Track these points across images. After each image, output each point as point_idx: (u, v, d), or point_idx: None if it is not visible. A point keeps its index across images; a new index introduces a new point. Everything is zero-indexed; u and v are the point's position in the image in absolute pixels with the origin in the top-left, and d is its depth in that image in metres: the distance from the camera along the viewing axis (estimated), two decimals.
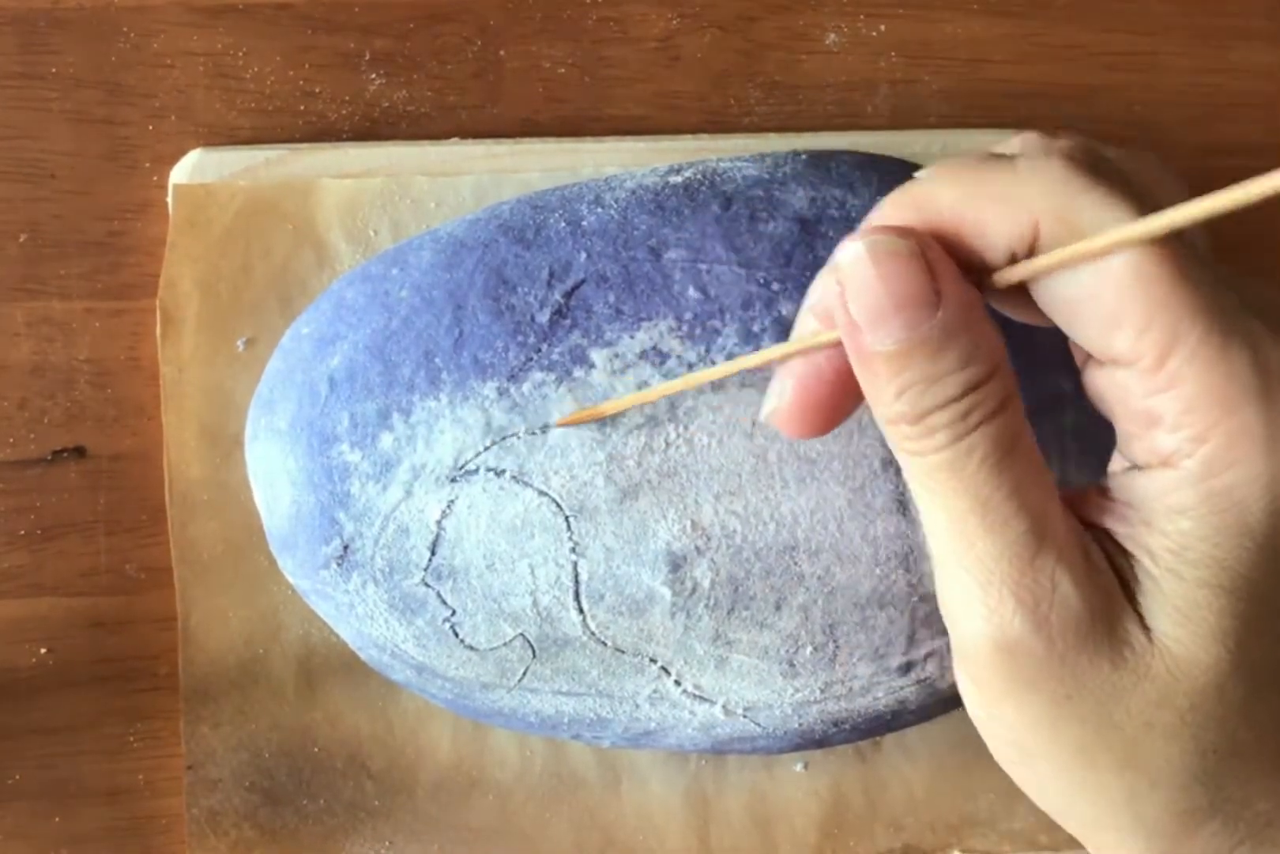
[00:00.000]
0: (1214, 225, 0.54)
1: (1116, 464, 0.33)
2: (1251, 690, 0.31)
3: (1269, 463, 0.30)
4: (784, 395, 0.35)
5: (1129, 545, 0.32)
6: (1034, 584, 0.31)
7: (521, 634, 0.46)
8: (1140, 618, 0.31)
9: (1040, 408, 0.46)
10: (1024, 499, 0.31)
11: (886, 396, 0.32)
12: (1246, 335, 0.30)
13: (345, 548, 0.46)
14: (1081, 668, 0.31)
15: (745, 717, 0.47)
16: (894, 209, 0.32)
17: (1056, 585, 0.31)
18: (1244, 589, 0.30)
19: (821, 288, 0.35)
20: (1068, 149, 0.31)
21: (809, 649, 0.46)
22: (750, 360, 0.37)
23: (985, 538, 0.31)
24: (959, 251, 0.32)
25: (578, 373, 0.45)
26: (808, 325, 0.35)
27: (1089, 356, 0.33)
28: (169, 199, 0.52)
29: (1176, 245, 0.30)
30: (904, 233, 0.31)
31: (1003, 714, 0.33)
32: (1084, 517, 0.33)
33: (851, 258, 0.31)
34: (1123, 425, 0.32)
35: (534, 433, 0.45)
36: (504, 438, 0.45)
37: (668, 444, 0.45)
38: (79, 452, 0.53)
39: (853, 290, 0.31)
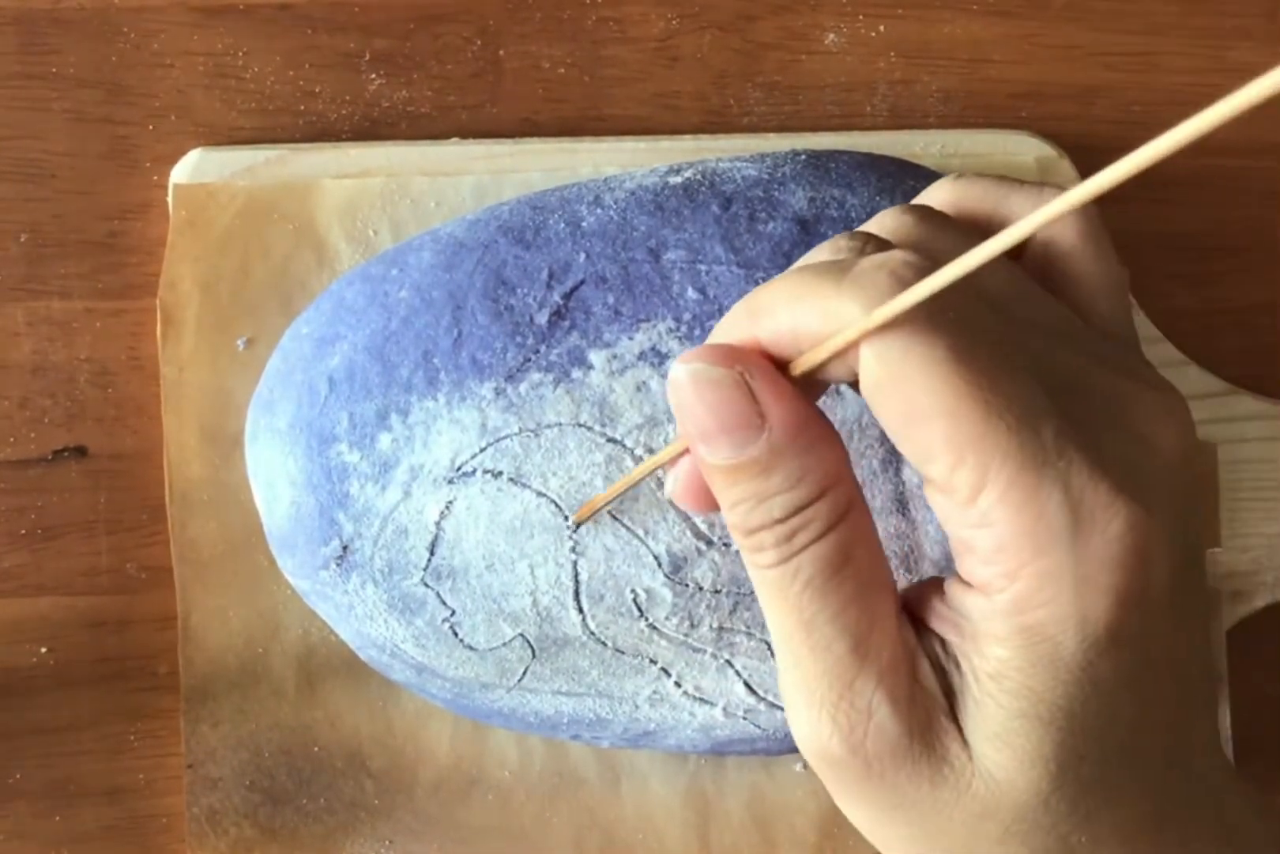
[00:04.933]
0: (1213, 226, 0.54)
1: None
2: (1080, 806, 0.31)
3: (1078, 604, 0.30)
4: (678, 479, 0.36)
5: (960, 657, 0.32)
6: (850, 709, 0.31)
7: (521, 634, 0.46)
8: (961, 736, 0.31)
9: None
10: (848, 620, 0.31)
11: (724, 506, 0.33)
12: (1060, 472, 0.29)
13: (344, 548, 0.46)
14: (900, 785, 0.32)
15: (745, 719, 0.47)
16: (733, 319, 0.33)
17: (874, 711, 0.31)
18: (1062, 720, 0.30)
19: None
20: (898, 264, 0.30)
21: None
22: (659, 458, 0.38)
23: (808, 658, 0.32)
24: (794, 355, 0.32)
25: (576, 374, 0.45)
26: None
27: None
28: (169, 199, 0.52)
29: (984, 359, 0.30)
30: (729, 357, 0.31)
31: (843, 807, 0.34)
32: (923, 619, 0.33)
33: (676, 382, 0.32)
34: (949, 539, 0.32)
35: (530, 434, 0.45)
36: (499, 439, 0.45)
37: (667, 444, 0.45)
38: (79, 451, 0.53)
39: (681, 411, 0.32)
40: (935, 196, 0.38)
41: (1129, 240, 0.55)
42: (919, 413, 0.29)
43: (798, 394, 0.31)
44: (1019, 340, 0.32)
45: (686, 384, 0.31)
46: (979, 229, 0.36)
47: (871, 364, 0.30)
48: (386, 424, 0.46)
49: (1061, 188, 0.35)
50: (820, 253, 0.33)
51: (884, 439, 0.45)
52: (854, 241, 0.33)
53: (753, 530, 0.32)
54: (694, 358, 0.32)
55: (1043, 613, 0.30)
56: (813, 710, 0.32)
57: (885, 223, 0.34)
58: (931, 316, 0.29)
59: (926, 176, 0.50)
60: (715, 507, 0.34)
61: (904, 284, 0.29)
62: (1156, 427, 0.32)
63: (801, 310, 0.30)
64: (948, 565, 0.46)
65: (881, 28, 0.55)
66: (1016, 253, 0.36)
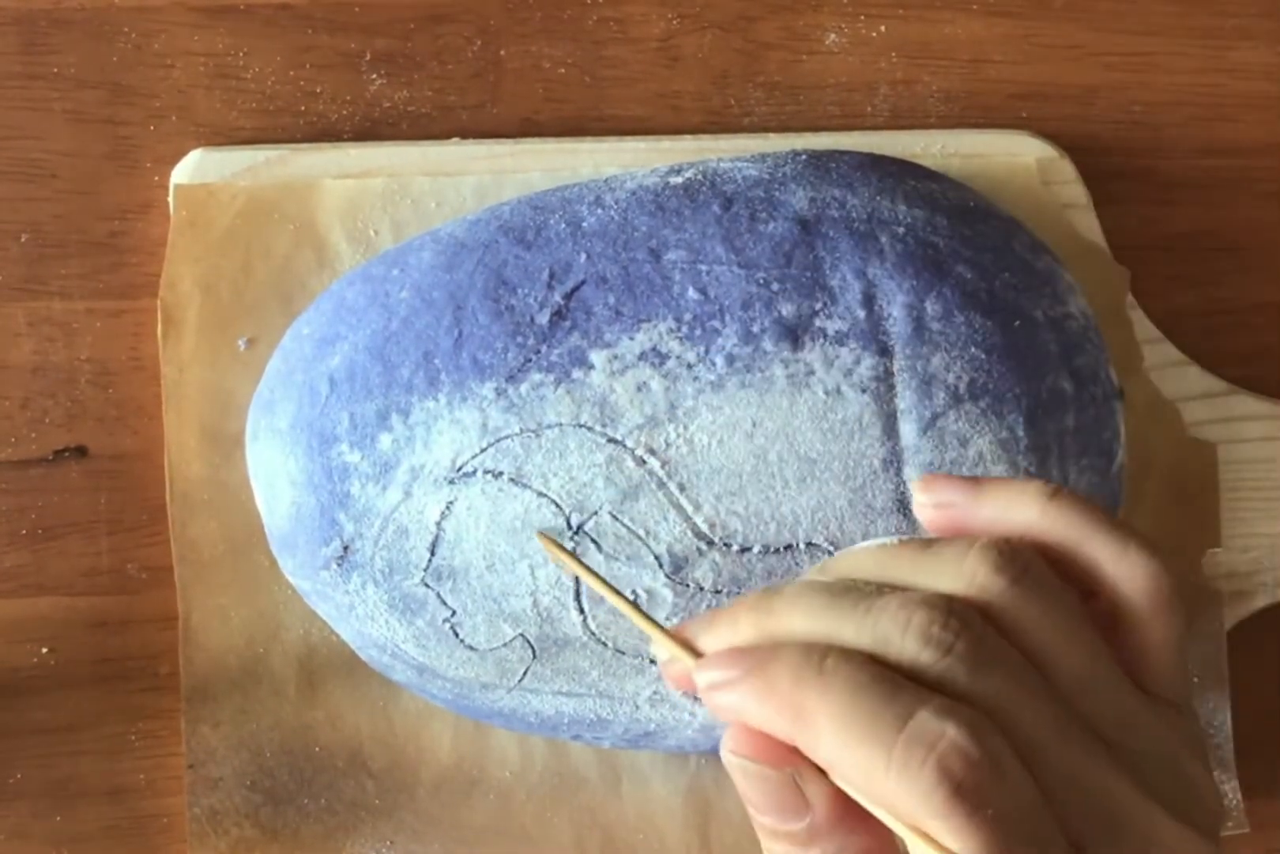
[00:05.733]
0: (1213, 226, 0.54)
1: None
2: None
3: None
4: (675, 680, 0.38)
5: None
6: None
7: (521, 634, 0.46)
8: None
9: (1039, 408, 0.46)
10: None
11: (764, 844, 0.36)
12: None
13: (345, 549, 0.46)
14: None
15: None
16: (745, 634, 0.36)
17: None
18: None
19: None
20: (951, 753, 0.31)
21: None
22: (648, 627, 0.39)
23: None
24: None
25: (576, 374, 0.45)
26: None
27: None
28: (170, 199, 0.52)
29: None
30: (781, 758, 0.34)
31: None
32: None
33: (730, 766, 0.35)
34: None
35: (531, 434, 0.45)
36: (500, 439, 0.45)
37: (668, 444, 0.45)
38: (80, 451, 0.53)
39: (734, 779, 0.35)
40: (1026, 516, 0.37)
41: (1129, 240, 0.55)
42: None
43: (840, 791, 0.33)
44: (1070, 781, 0.33)
45: (738, 773, 0.35)
46: (1063, 567, 0.36)
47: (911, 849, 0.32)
48: (387, 424, 0.46)
49: (1145, 552, 0.36)
50: (890, 616, 0.34)
51: (884, 439, 0.45)
52: (928, 641, 0.33)
53: None
54: (745, 749, 0.34)
55: None
56: None
57: (977, 576, 0.34)
58: (969, 814, 0.31)
59: (927, 177, 0.50)
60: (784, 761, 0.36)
61: (952, 782, 0.31)
62: None
63: (848, 754, 0.32)
64: None
65: (882, 28, 0.55)
66: (1090, 591, 0.36)
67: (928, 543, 0.36)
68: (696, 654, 0.36)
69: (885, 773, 0.31)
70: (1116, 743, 0.34)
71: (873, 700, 0.32)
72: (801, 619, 0.35)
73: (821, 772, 0.34)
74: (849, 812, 0.34)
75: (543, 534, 0.45)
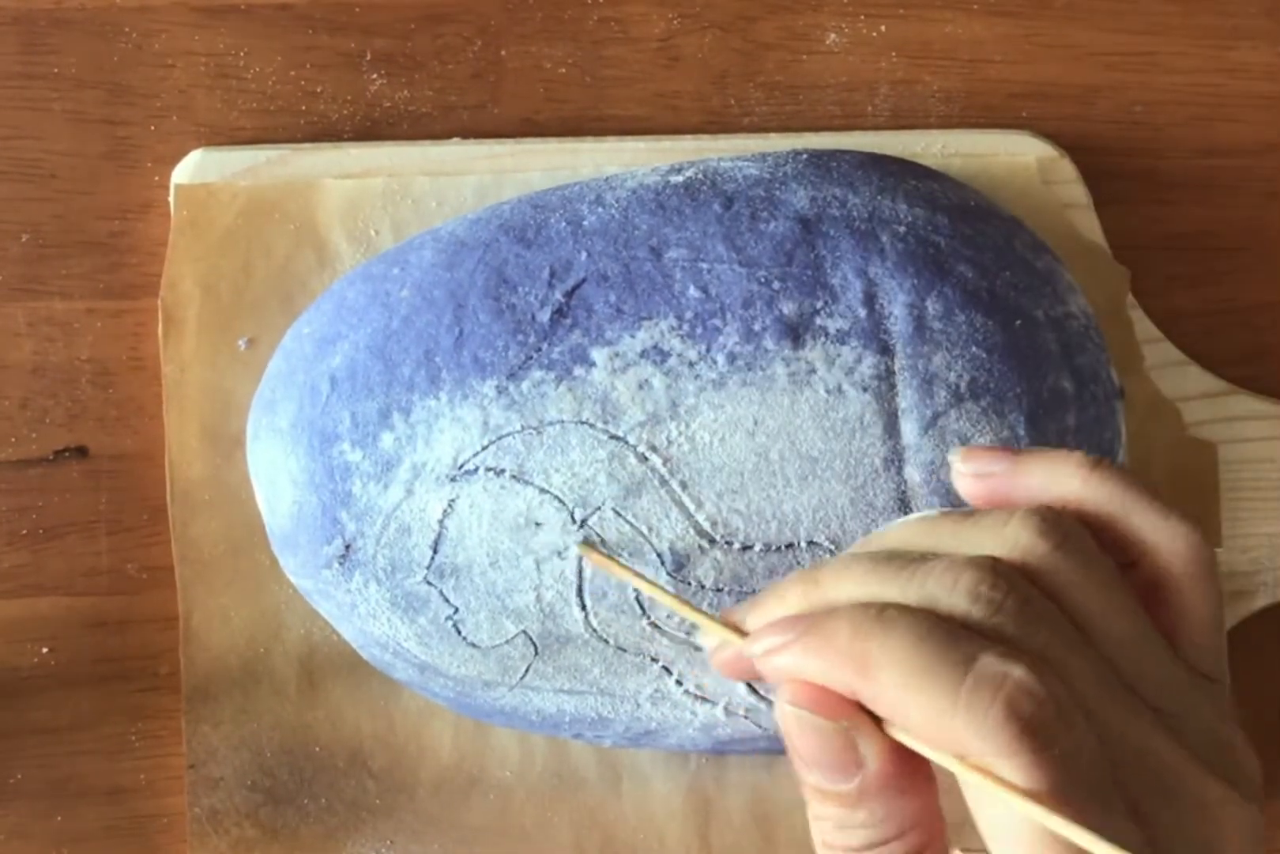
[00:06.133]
0: (1213, 226, 0.54)
1: None
2: None
3: None
4: (724, 662, 0.39)
5: None
6: None
7: (524, 631, 0.46)
8: None
9: (1040, 408, 0.46)
10: None
11: (810, 813, 0.36)
12: None
13: (347, 547, 0.46)
14: None
15: (747, 718, 0.47)
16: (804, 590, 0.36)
17: None
18: None
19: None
20: (1017, 694, 0.32)
21: None
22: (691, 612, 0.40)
23: None
24: None
25: (578, 371, 0.45)
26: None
27: None
28: (170, 199, 0.52)
29: (1080, 801, 0.31)
30: (836, 709, 0.34)
31: None
32: None
33: (785, 718, 0.35)
34: None
35: (532, 431, 0.45)
36: (502, 437, 0.45)
37: (669, 442, 0.45)
38: (80, 451, 0.53)
39: (787, 737, 0.35)
40: (1068, 486, 0.37)
41: (1129, 240, 0.55)
42: (1006, 832, 0.32)
43: (894, 747, 0.34)
44: (1119, 739, 0.33)
45: (794, 725, 0.34)
46: (1103, 537, 0.36)
47: (971, 791, 0.33)
48: (389, 423, 0.46)
49: (1186, 523, 0.36)
50: (937, 577, 0.34)
51: (885, 438, 0.45)
52: (976, 598, 0.33)
53: (829, 846, 0.35)
54: (803, 701, 0.34)
55: None
56: None
57: (1020, 540, 0.35)
58: (1037, 752, 0.31)
59: (928, 176, 0.50)
60: (756, 675, 0.36)
61: (1020, 720, 0.31)
62: (1232, 843, 0.34)
63: (912, 697, 0.32)
64: None
65: (883, 28, 0.55)
66: (1130, 561, 0.37)
67: (969, 513, 0.36)
68: (744, 635, 0.37)
69: (953, 713, 0.31)
70: (1158, 707, 0.34)
71: (936, 645, 0.32)
72: (850, 586, 0.35)
73: (878, 730, 0.34)
74: (901, 773, 0.34)
75: (583, 545, 0.45)
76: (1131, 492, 0.36)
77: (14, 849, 0.52)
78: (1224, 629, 0.38)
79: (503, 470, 0.45)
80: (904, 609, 0.33)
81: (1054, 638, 0.33)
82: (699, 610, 0.39)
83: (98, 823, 0.53)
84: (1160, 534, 0.36)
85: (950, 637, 0.32)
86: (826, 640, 0.34)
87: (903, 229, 0.47)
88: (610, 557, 0.44)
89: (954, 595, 0.33)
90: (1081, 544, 0.35)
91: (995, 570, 0.33)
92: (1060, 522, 0.35)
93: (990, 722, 0.31)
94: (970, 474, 0.38)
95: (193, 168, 0.53)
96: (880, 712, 0.33)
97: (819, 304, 0.46)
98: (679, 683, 0.47)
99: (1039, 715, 0.31)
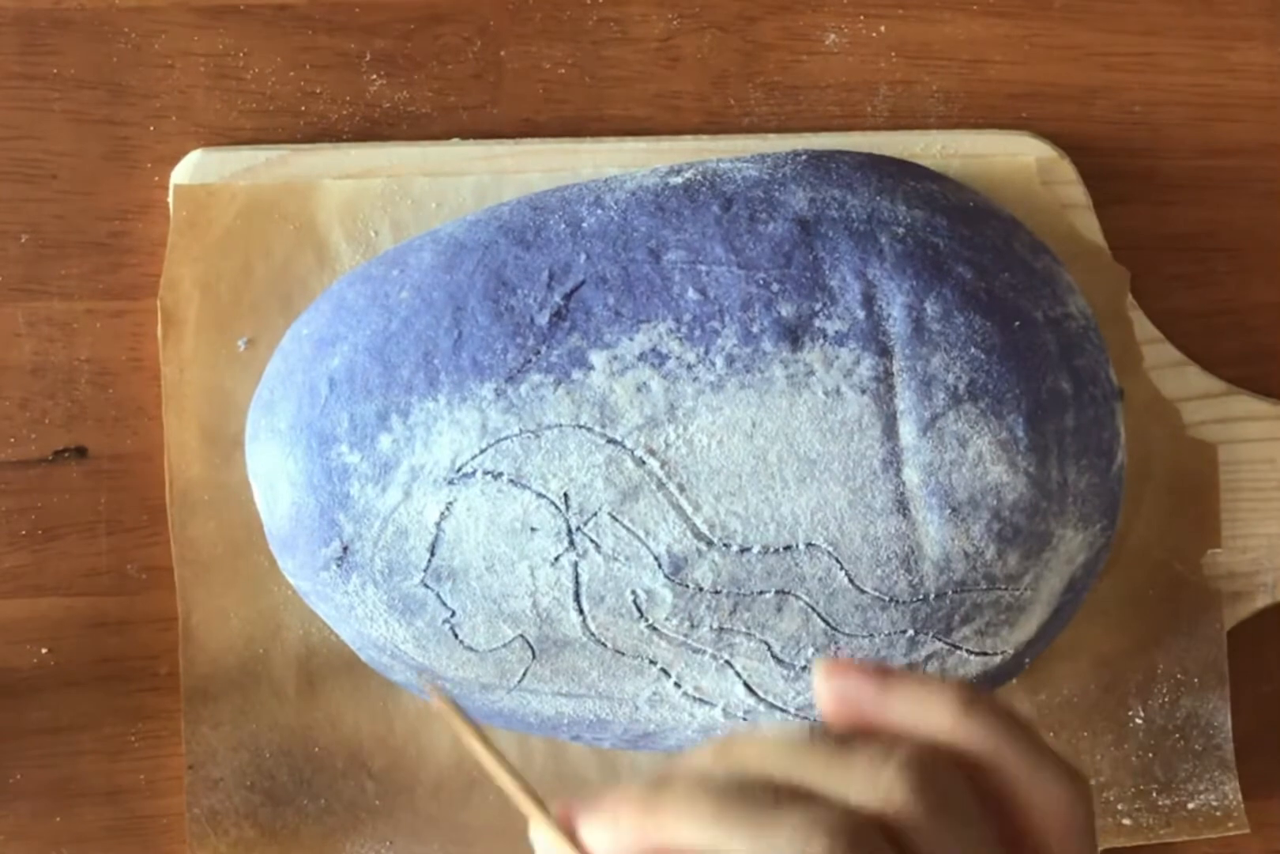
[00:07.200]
0: (1213, 226, 0.54)
1: None
2: None
3: None
4: None
5: None
6: None
7: (521, 635, 0.46)
8: None
9: (1039, 409, 0.46)
10: None
11: None
12: None
13: (345, 549, 0.46)
14: None
15: (745, 719, 0.47)
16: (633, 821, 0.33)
17: None
18: None
19: None
20: None
21: (810, 651, 0.46)
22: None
23: None
24: None
25: (576, 375, 0.45)
26: None
27: None
28: (170, 199, 0.52)
29: None
30: None
31: None
32: None
33: None
34: None
35: (530, 435, 0.45)
36: (500, 440, 0.45)
37: (667, 445, 0.45)
38: (80, 452, 0.53)
39: None
40: (939, 725, 0.34)
41: (1130, 241, 0.55)
42: None
43: None
44: None
45: None
46: (975, 778, 0.34)
47: None
48: (387, 425, 0.46)
49: (1061, 780, 0.33)
50: (786, 837, 0.31)
51: (884, 439, 0.45)
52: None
53: None
54: None
55: None
56: None
57: (894, 795, 0.32)
58: None
59: (927, 177, 0.50)
60: None
61: None
62: None
63: None
64: (948, 565, 0.46)
65: (882, 28, 0.55)
66: (1001, 808, 0.34)
67: (842, 742, 0.33)
68: (576, 843, 0.34)
69: None
70: None
71: None
72: (688, 828, 0.32)
73: None
74: None
75: (433, 686, 0.41)
76: (1007, 738, 0.33)
77: (14, 849, 0.53)
78: None
79: (500, 474, 0.45)
80: None
81: None
82: (535, 801, 0.36)
83: (97, 823, 0.53)
84: (1034, 791, 0.33)
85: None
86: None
87: (901, 230, 0.47)
88: (456, 707, 0.38)
89: None
90: (959, 804, 0.32)
91: (852, 837, 0.31)
92: (939, 778, 0.32)
93: None
94: (832, 697, 0.34)
95: (192, 168, 0.52)
96: None
97: (817, 306, 0.45)
98: (677, 685, 0.47)
99: None
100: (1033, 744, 0.33)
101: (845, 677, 0.34)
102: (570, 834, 0.34)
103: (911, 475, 0.45)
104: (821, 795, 0.32)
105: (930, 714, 0.34)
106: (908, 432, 0.45)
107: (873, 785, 0.32)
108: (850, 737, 0.33)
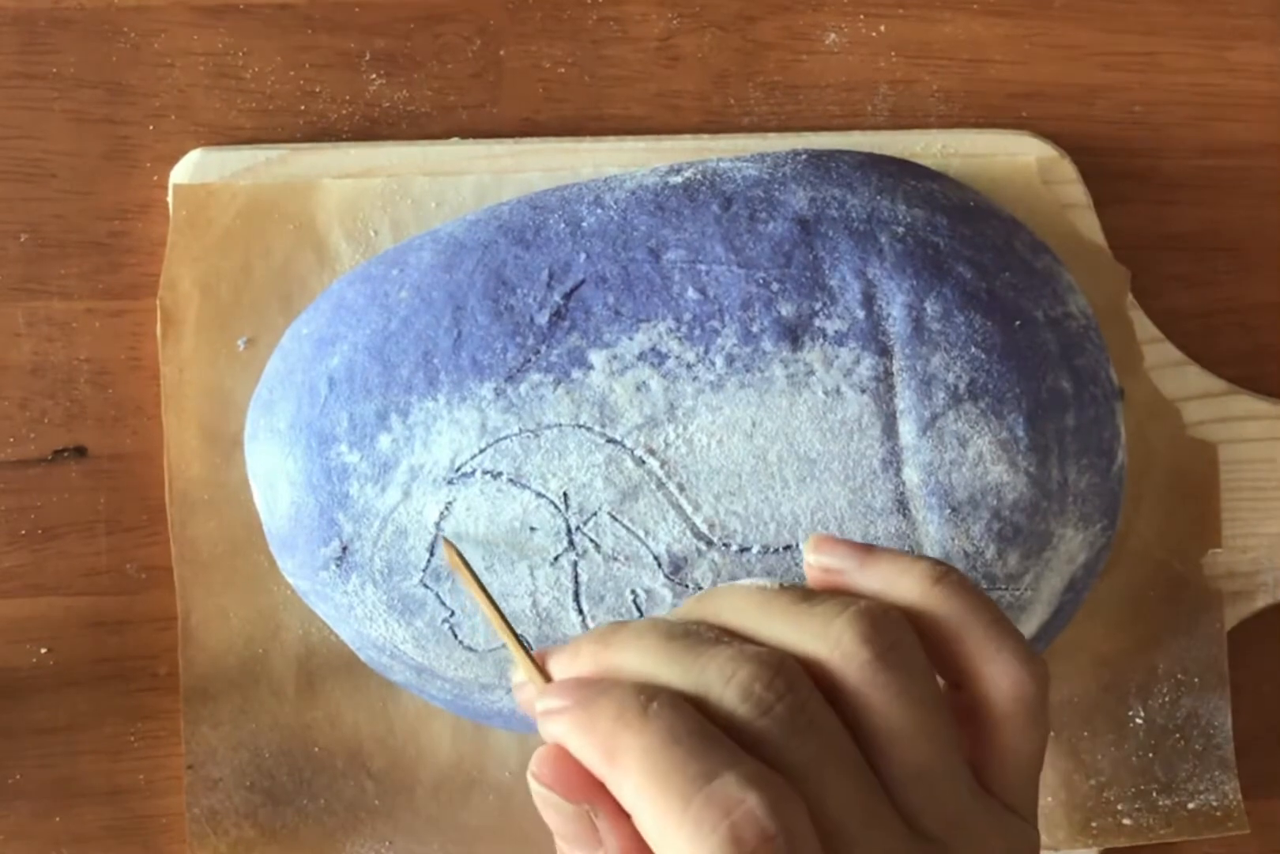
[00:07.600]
0: (1213, 226, 0.54)
1: None
2: None
3: None
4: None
5: None
6: None
7: (521, 635, 0.46)
8: None
9: (1039, 408, 0.46)
10: None
11: None
12: None
13: (344, 549, 0.46)
14: None
15: None
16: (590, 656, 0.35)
17: None
18: None
19: None
20: (745, 821, 0.30)
21: None
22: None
23: None
24: None
25: (576, 374, 0.45)
26: None
27: None
28: (169, 199, 0.52)
29: None
30: (578, 791, 0.33)
31: None
32: None
33: (533, 792, 0.34)
34: None
35: (530, 434, 0.45)
36: (499, 440, 0.45)
37: (667, 445, 0.45)
38: (79, 451, 0.53)
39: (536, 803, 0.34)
40: (908, 595, 0.35)
41: (1129, 240, 0.55)
42: None
43: (636, 834, 0.32)
44: None
45: (537, 800, 0.34)
46: (934, 650, 0.35)
47: None
48: (386, 424, 0.46)
49: (1017, 660, 0.34)
50: (718, 666, 0.33)
51: (884, 439, 0.45)
52: (747, 697, 0.32)
53: None
54: (548, 780, 0.33)
55: None
56: None
57: (842, 642, 0.33)
58: None
59: (927, 176, 0.50)
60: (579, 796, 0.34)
61: (740, 851, 0.29)
62: None
63: (645, 802, 0.31)
64: None
65: (882, 27, 0.55)
66: (955, 683, 0.35)
67: (808, 594, 0.34)
68: (548, 679, 0.36)
69: (678, 827, 0.30)
70: (939, 839, 0.33)
71: (684, 752, 0.31)
72: (634, 656, 0.34)
73: (621, 817, 0.32)
74: (645, 852, 0.32)
75: (446, 541, 0.44)
76: (971, 614, 0.34)
77: (13, 849, 0.53)
78: (1040, 767, 0.36)
79: (500, 473, 0.45)
80: (674, 704, 0.32)
81: (823, 753, 0.31)
82: (518, 644, 0.37)
83: (97, 823, 0.53)
84: (990, 667, 0.34)
85: (704, 746, 0.31)
86: (590, 720, 0.32)
87: (902, 230, 0.47)
88: (466, 564, 0.43)
89: (727, 689, 0.32)
90: (905, 657, 0.33)
91: (777, 670, 0.32)
92: (888, 629, 0.33)
93: (708, 847, 0.30)
94: (817, 567, 0.36)
95: (192, 168, 0.52)
96: (621, 803, 0.32)
97: (817, 305, 0.45)
98: None
99: (760, 850, 0.30)
100: (996, 621, 0.35)
101: (832, 551, 0.36)
102: (542, 669, 0.36)
103: (911, 475, 0.45)
104: (767, 639, 0.33)
105: (901, 584, 0.35)
106: (908, 431, 0.45)
107: (825, 631, 0.33)
108: (816, 592, 0.35)
